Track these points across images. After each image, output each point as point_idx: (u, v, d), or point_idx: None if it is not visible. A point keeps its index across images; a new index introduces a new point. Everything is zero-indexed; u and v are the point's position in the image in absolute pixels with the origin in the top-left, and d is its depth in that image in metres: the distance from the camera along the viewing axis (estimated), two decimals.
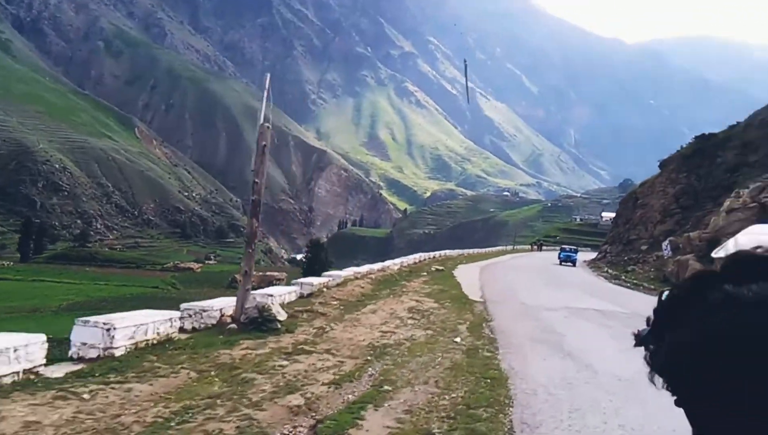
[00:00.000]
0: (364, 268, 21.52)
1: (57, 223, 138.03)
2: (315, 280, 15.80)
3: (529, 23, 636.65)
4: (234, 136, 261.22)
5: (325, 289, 15.25)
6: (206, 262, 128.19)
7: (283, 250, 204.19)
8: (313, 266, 49.38)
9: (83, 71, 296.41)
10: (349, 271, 19.38)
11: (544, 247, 77.62)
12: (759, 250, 0.68)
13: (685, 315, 0.67)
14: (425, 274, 24.73)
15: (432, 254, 40.50)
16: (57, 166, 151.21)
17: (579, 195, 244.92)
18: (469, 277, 24.15)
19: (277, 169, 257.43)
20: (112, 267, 76.55)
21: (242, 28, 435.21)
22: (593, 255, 50.21)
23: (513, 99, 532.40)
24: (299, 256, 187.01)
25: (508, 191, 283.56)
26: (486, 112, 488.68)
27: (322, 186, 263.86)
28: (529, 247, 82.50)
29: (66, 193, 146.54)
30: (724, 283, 0.66)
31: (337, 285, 16.66)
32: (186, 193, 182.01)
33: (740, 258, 0.68)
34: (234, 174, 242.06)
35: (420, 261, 33.39)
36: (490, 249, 68.41)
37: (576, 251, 44.06)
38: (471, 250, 57.26)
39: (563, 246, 47.71)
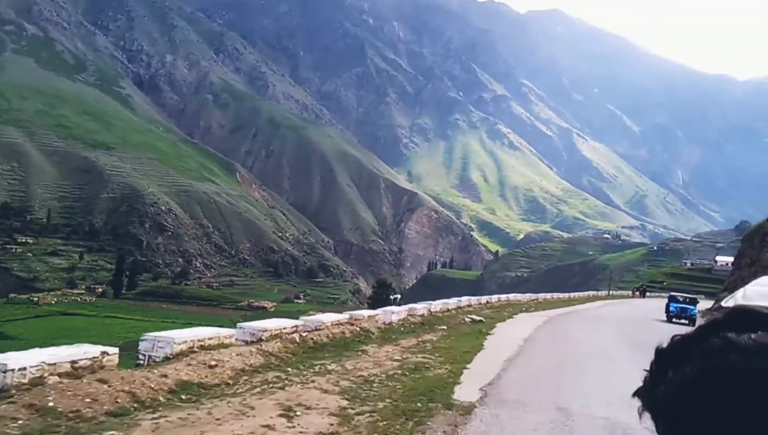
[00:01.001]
0: (291, 323, 12.17)
1: (161, 262, 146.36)
2: (32, 358, 6.76)
3: (629, 63, 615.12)
4: (328, 179, 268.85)
5: (62, 383, 6.68)
6: (295, 300, 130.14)
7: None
8: (378, 306, 48.88)
9: (193, 122, 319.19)
10: (229, 332, 10.63)
11: (648, 294, 67.28)
12: (762, 306, 0.73)
13: (687, 356, 0.71)
14: (444, 327, 17.47)
15: (486, 299, 32.70)
16: (163, 208, 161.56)
17: (689, 238, 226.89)
18: (511, 336, 16.77)
19: (368, 210, 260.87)
20: (190, 304, 78.63)
21: (338, 78, 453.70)
22: (708, 304, 41.09)
23: (613, 139, 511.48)
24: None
25: (608, 234, 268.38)
26: (583, 152, 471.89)
27: (412, 227, 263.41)
28: (630, 292, 72.38)
29: (170, 234, 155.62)
30: (727, 331, 0.70)
31: (166, 359, 8.58)
32: (280, 234, 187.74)
33: (744, 311, 0.73)
34: (327, 215, 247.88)
35: (459, 307, 25.10)
36: (577, 294, 58.64)
37: (695, 302, 32.14)
38: (550, 295, 47.78)
39: (673, 294, 34.48)
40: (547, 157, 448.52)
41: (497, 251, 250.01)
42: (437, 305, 22.25)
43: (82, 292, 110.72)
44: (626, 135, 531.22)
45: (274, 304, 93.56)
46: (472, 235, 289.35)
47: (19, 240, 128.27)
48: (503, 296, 36.09)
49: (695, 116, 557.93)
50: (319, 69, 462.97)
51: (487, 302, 31.49)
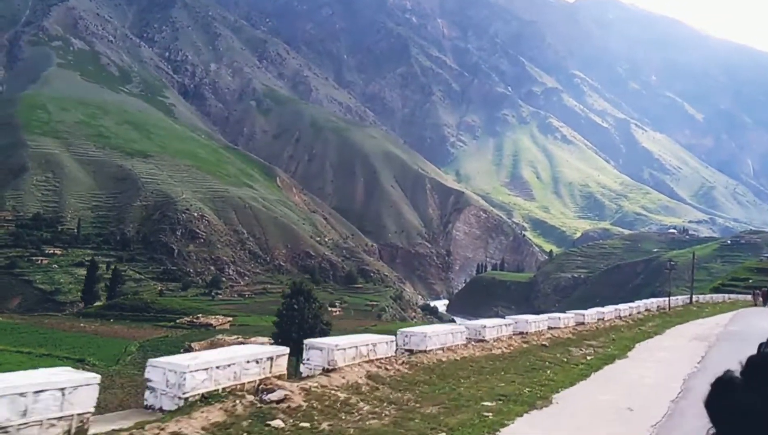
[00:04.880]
0: None
1: (192, 270, 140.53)
2: None
3: (688, 47, 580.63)
4: (371, 181, 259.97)
5: None
6: (330, 309, 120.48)
7: (420, 296, 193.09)
8: (287, 327, 33.04)
9: (237, 129, 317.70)
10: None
11: None
12: None
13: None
14: None
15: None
16: (195, 214, 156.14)
17: (767, 230, 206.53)
18: None
19: (413, 212, 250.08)
20: (141, 320, 68.93)
21: (383, 79, 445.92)
22: None
23: (674, 128, 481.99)
24: (433, 304, 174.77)
25: (674, 229, 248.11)
26: (643, 143, 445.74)
27: (460, 228, 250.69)
28: (751, 296, 48.24)
29: (202, 241, 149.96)
30: None
31: None
32: (318, 239, 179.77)
33: None
34: (371, 219, 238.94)
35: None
36: (629, 306, 29.60)
37: None
38: (591, 311, 24.02)
39: None
40: (603, 151, 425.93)
41: (551, 251, 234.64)
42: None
43: (102, 303, 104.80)
44: (689, 123, 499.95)
45: (229, 320, 75.04)
46: (524, 235, 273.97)
47: (47, 251, 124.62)
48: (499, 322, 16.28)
49: (762, 99, 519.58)
50: (363, 71, 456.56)
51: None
